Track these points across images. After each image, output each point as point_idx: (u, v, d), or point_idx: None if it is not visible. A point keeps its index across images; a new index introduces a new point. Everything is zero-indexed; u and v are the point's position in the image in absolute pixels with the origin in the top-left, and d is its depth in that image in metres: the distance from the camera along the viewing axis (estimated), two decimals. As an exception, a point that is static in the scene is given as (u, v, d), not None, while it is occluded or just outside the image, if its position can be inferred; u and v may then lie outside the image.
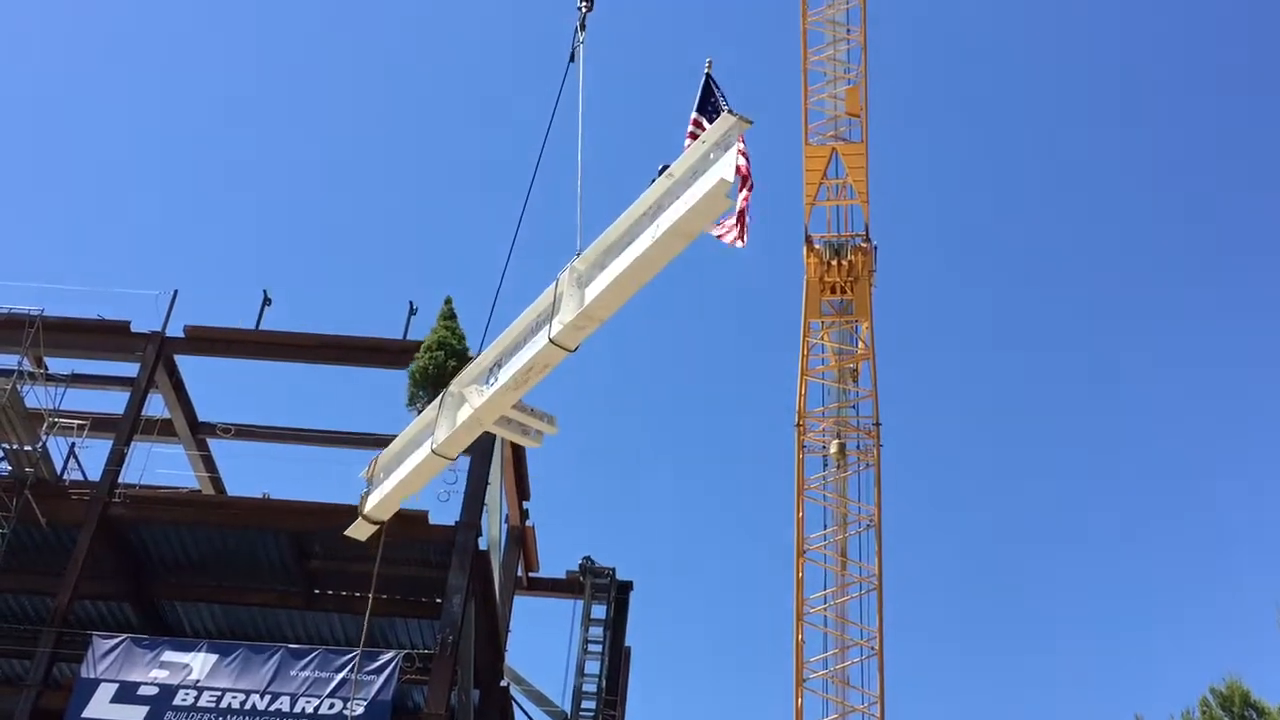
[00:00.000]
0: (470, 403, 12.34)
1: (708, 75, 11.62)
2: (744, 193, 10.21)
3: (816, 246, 37.26)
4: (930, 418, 75.13)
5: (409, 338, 24.79)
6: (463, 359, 15.81)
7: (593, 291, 10.96)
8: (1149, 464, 74.52)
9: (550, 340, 11.26)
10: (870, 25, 37.17)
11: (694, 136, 11.09)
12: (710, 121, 11.02)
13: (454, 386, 12.85)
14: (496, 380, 12.02)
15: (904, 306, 73.15)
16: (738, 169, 9.74)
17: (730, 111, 10.06)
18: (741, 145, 9.85)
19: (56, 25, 72.04)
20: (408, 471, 13.40)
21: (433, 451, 12.86)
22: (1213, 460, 73.01)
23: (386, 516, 14.09)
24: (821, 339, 37.60)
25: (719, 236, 10.67)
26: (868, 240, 37.35)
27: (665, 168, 10.55)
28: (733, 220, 10.50)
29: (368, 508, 13.97)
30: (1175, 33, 75.06)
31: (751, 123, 9.84)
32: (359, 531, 14.25)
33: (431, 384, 14.92)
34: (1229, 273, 74.51)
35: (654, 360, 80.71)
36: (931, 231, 77.15)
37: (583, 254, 11.17)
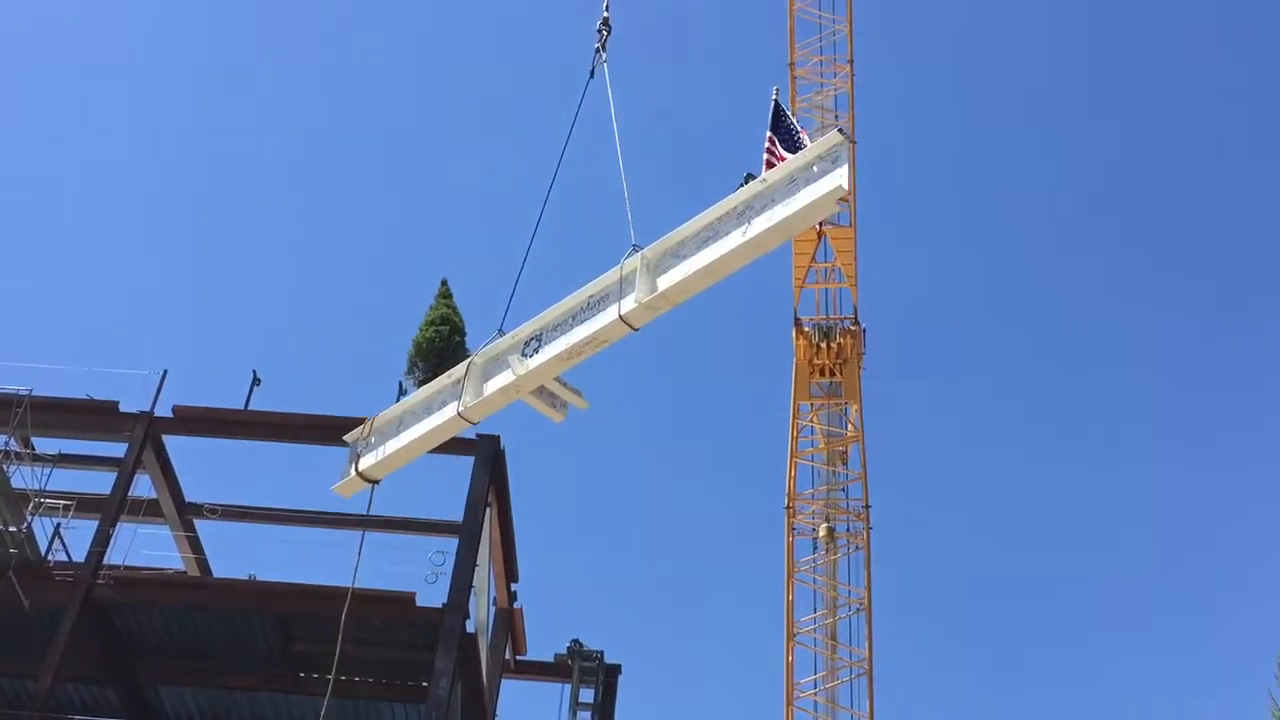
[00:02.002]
0: (513, 370, 13.11)
1: (776, 101, 12.88)
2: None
3: (806, 329, 37.49)
4: (921, 500, 75.04)
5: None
6: (464, 335, 16.42)
7: (670, 279, 12.11)
8: (1146, 546, 74.44)
9: (620, 316, 12.22)
10: (859, 108, 37.71)
11: (770, 154, 12.43)
12: (782, 143, 12.55)
13: (479, 358, 13.68)
14: (540, 352, 12.90)
15: (893, 389, 73.32)
16: None
17: (840, 130, 11.50)
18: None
19: (44, 94, 72.68)
20: (422, 432, 14.03)
21: (458, 414, 13.54)
22: (1215, 547, 72.99)
23: (382, 476, 14.61)
24: (811, 421, 37.68)
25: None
26: (856, 323, 37.60)
27: (750, 175, 11.88)
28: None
29: (364, 466, 14.44)
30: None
31: (856, 142, 10.83)
32: (348, 488, 14.69)
33: (436, 355, 15.56)
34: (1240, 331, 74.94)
35: (643, 441, 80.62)
36: (921, 313, 77.52)
37: (652, 245, 12.31)
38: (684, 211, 12.38)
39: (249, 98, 75.85)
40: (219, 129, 75.03)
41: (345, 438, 14.85)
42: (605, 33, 15.24)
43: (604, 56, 15.00)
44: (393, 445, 14.29)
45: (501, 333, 13.55)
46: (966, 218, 79.04)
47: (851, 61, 38.46)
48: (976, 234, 78.90)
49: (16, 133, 71.05)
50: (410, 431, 14.17)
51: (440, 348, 15.76)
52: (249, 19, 75.77)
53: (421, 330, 16.75)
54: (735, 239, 11.74)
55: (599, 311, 12.57)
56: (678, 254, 12.18)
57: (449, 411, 13.72)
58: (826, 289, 38.01)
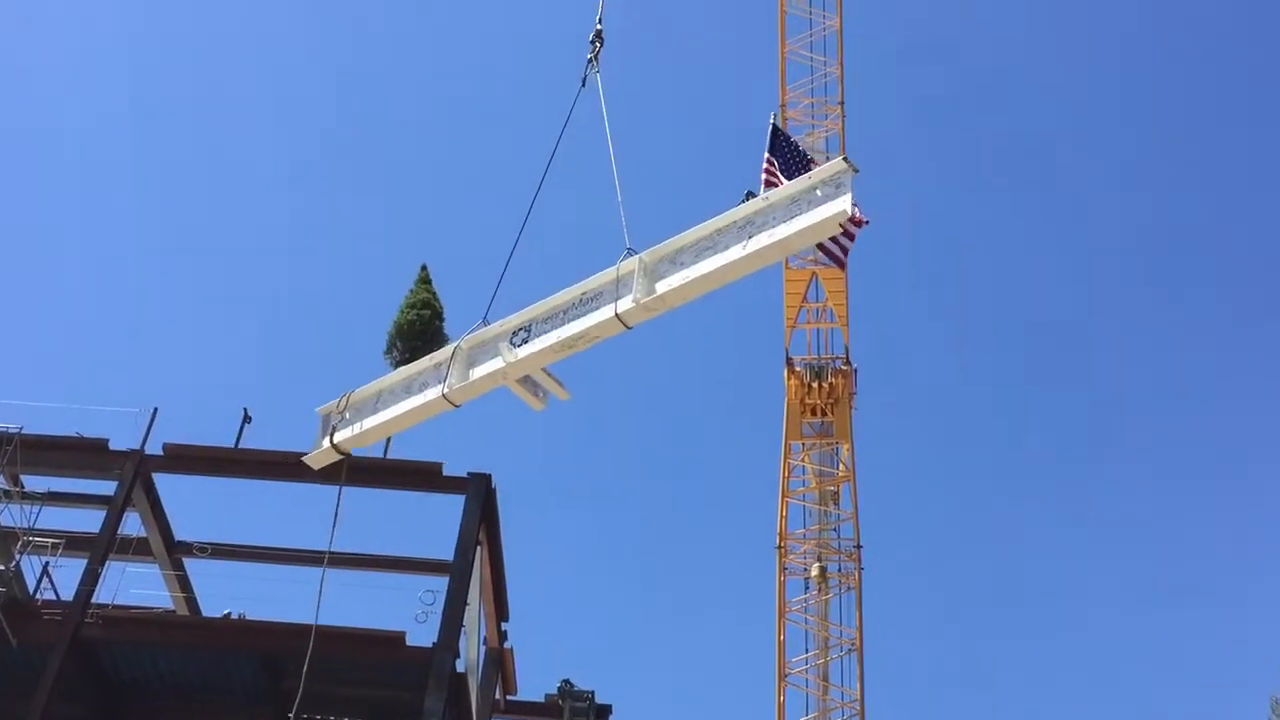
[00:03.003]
0: (503, 357, 13.35)
1: (773, 125, 13.93)
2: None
3: (797, 369, 37.51)
4: (914, 540, 74.92)
5: (388, 457, 24.74)
6: (443, 319, 16.52)
7: (669, 283, 12.57)
8: (1142, 579, 74.36)
9: (616, 314, 12.60)
10: (850, 149, 37.89)
11: (769, 173, 13.47)
12: (780, 165, 13.54)
13: (465, 343, 13.85)
14: (530, 342, 13.22)
15: (885, 429, 73.36)
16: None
17: (844, 159, 12.03)
18: None
19: (39, 130, 72.84)
20: (402, 411, 14.11)
21: (443, 396, 13.70)
22: (1207, 576, 72.91)
23: (355, 448, 14.66)
24: (802, 461, 37.66)
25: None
26: (848, 363, 37.63)
27: (751, 193, 12.51)
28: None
29: (339, 438, 14.43)
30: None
31: (858, 170, 11.80)
32: (319, 459, 14.59)
33: (417, 337, 15.69)
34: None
35: (635, 480, 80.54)
36: (913, 353, 77.74)
37: (651, 249, 12.70)
38: (674, 217, 12.90)
39: (243, 103, 75.91)
40: (209, 139, 74.97)
41: (318, 409, 14.83)
42: (598, 44, 15.31)
43: (596, 67, 15.11)
44: (370, 421, 14.39)
45: (486, 322, 13.76)
46: (958, 257, 79.40)
47: (842, 103, 38.72)
48: (968, 273, 79.25)
49: (8, 151, 71.11)
50: (390, 410, 14.30)
51: (420, 330, 15.94)
52: (244, 18, 76.05)
53: (402, 312, 16.93)
54: (735, 251, 12.21)
55: (593, 309, 12.95)
56: (676, 261, 12.64)
57: (432, 393, 13.89)
58: (818, 329, 38.10)
